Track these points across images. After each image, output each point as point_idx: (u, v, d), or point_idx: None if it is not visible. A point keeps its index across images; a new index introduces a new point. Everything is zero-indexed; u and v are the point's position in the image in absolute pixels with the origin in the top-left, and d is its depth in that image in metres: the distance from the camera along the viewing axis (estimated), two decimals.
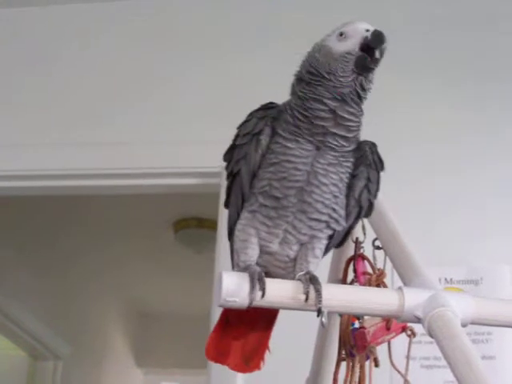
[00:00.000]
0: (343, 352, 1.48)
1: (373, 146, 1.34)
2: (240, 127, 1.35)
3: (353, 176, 1.31)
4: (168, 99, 2.92)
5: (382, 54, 1.26)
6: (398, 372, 1.40)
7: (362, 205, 1.33)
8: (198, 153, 2.71)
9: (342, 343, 1.47)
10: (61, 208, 4.36)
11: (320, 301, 1.20)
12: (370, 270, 1.49)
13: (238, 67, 2.88)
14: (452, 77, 2.76)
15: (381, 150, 2.64)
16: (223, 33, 2.98)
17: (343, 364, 1.48)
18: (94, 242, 4.95)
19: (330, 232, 1.32)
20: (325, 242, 1.33)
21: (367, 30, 1.26)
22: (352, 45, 1.26)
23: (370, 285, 1.44)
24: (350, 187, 1.31)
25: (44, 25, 3.12)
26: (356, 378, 1.44)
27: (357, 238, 1.52)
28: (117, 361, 6.38)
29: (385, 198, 1.45)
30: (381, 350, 1.44)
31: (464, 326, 1.18)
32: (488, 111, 2.70)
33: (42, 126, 2.96)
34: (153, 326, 6.80)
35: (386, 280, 1.46)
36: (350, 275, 1.52)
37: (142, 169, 2.83)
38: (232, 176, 1.34)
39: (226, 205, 1.38)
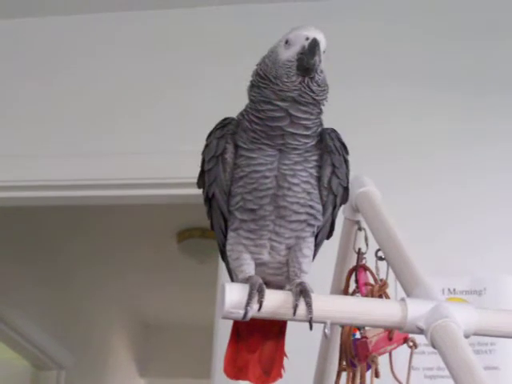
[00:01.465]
0: (344, 362, 1.48)
1: (332, 132, 1.35)
2: (204, 152, 1.38)
3: (319, 167, 1.33)
4: (170, 110, 2.92)
5: (314, 64, 1.27)
6: (400, 383, 1.40)
7: (334, 192, 1.34)
8: None
9: (343, 353, 1.47)
10: (64, 218, 4.36)
11: (311, 312, 1.21)
12: (371, 280, 1.49)
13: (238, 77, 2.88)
14: (453, 86, 2.76)
15: (382, 160, 2.66)
16: (221, 45, 2.98)
17: (344, 375, 1.48)
18: (98, 252, 4.95)
19: (311, 229, 1.33)
20: (311, 239, 1.34)
21: (307, 39, 1.29)
22: (293, 53, 1.30)
23: (372, 295, 1.44)
24: (319, 178, 1.33)
25: (45, 35, 3.12)
26: None
27: (359, 249, 1.52)
28: (120, 371, 6.36)
29: (387, 208, 1.46)
30: (383, 361, 1.44)
31: (467, 336, 1.17)
32: (490, 120, 2.70)
33: (44, 136, 2.95)
34: (156, 335, 6.79)
35: (390, 291, 1.46)
36: (353, 286, 1.52)
37: (145, 179, 2.83)
38: (209, 200, 1.37)
39: (212, 228, 1.41)
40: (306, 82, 1.28)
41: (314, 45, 1.28)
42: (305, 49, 1.28)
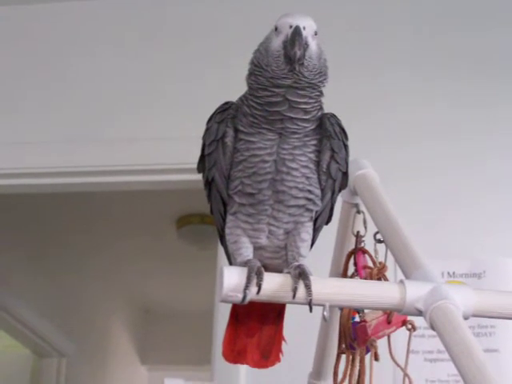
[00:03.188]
0: (343, 345, 1.48)
1: (332, 117, 1.34)
2: (204, 136, 1.38)
3: (319, 152, 1.32)
4: (171, 97, 2.92)
5: (295, 54, 1.25)
6: (398, 366, 1.40)
7: (333, 177, 1.34)
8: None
9: (343, 337, 1.47)
10: (64, 206, 4.35)
11: (310, 295, 1.21)
12: (370, 263, 1.49)
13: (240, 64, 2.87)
14: (453, 74, 2.75)
15: (382, 146, 2.66)
16: (220, 34, 2.97)
17: (343, 357, 1.48)
18: (97, 239, 4.95)
19: (310, 214, 1.33)
20: (309, 224, 1.34)
21: (290, 27, 1.27)
22: (280, 42, 1.28)
23: (371, 278, 1.44)
24: (318, 163, 1.32)
25: (52, 21, 3.11)
26: (356, 372, 1.44)
27: (358, 232, 1.51)
28: (121, 358, 6.38)
29: (387, 192, 1.45)
30: (383, 344, 1.44)
31: (466, 318, 1.17)
32: (490, 107, 2.70)
33: (47, 123, 2.96)
34: (156, 322, 6.80)
35: (389, 274, 1.46)
36: (351, 269, 1.52)
37: (144, 165, 2.83)
38: (208, 184, 1.37)
39: (212, 212, 1.40)
40: (297, 69, 1.27)
41: (294, 34, 1.25)
42: (288, 38, 1.27)
